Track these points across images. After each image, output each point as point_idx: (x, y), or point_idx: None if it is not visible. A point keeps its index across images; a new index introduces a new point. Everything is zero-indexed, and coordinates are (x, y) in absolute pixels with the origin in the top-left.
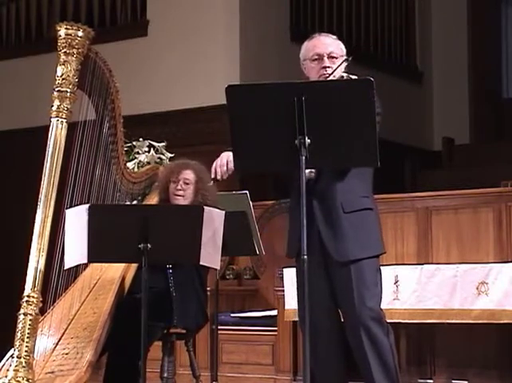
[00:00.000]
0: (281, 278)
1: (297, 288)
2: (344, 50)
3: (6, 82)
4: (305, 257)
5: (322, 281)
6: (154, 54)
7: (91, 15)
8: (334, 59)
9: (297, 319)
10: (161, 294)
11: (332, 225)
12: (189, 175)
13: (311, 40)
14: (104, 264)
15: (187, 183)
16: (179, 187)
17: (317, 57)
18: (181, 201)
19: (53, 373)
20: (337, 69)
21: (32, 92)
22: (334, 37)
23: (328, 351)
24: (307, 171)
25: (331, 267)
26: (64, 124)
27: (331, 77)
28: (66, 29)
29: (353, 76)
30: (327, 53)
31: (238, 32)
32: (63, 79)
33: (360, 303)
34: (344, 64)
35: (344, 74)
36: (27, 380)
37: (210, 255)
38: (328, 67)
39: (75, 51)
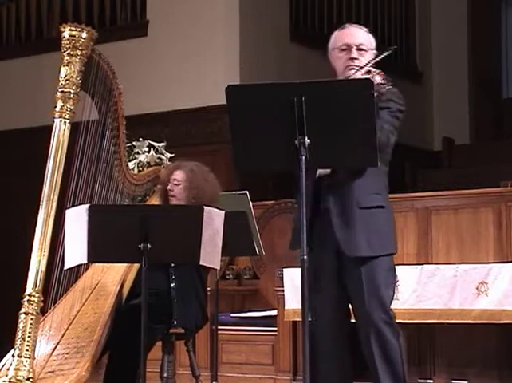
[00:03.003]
0: (281, 278)
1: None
2: (374, 44)
3: (6, 82)
4: (305, 257)
5: (334, 276)
6: (154, 54)
7: (91, 15)
8: (363, 51)
9: (296, 319)
10: (161, 295)
11: (345, 220)
12: (178, 175)
13: (341, 29)
14: (105, 265)
15: (177, 184)
16: (169, 187)
17: (345, 47)
18: (174, 201)
19: (53, 372)
20: (367, 64)
21: (32, 92)
22: (366, 29)
23: (334, 348)
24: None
25: (344, 263)
26: (67, 124)
27: (358, 71)
28: (70, 30)
29: (377, 74)
30: (356, 45)
31: (238, 32)
32: (66, 80)
33: (370, 305)
34: (373, 57)
35: (372, 69)
36: (27, 379)
37: (210, 255)
38: (356, 59)
39: (79, 52)
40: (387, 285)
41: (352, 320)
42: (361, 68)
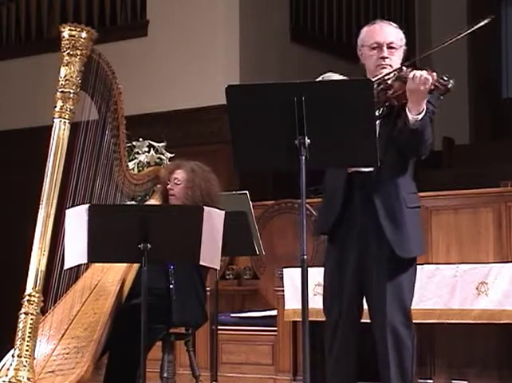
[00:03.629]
0: (281, 278)
1: (325, 275)
2: (404, 40)
3: (6, 82)
4: (305, 257)
5: (353, 275)
6: (154, 54)
7: (91, 15)
8: (393, 50)
9: (296, 319)
10: (161, 295)
11: (396, 221)
12: (179, 174)
13: (371, 26)
14: (105, 265)
15: (178, 183)
16: (169, 186)
17: (375, 45)
18: (173, 200)
19: (53, 372)
20: (398, 61)
21: (32, 92)
22: (395, 25)
23: (344, 348)
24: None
25: (368, 262)
26: (67, 124)
27: (389, 69)
28: (70, 30)
29: (407, 69)
30: (387, 43)
31: (238, 32)
32: (66, 80)
33: (391, 306)
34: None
35: (404, 68)
36: (28, 379)
37: (210, 255)
38: (387, 57)
39: (78, 52)
40: (410, 287)
41: (363, 320)
42: (394, 71)
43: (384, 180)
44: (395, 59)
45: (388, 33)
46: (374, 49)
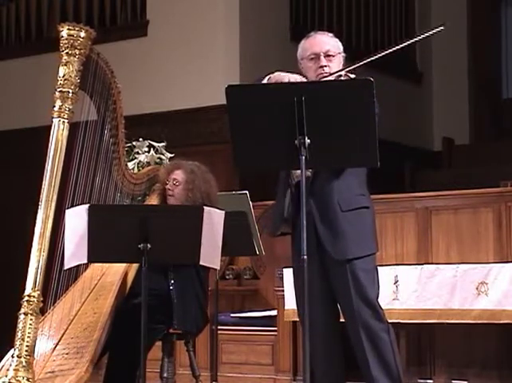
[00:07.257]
0: (281, 278)
1: (295, 287)
2: (341, 47)
3: (6, 82)
4: (305, 257)
5: (319, 279)
6: (154, 54)
7: (91, 15)
8: (331, 57)
9: (296, 319)
10: (161, 296)
11: (329, 223)
12: (178, 175)
13: (307, 39)
14: (104, 264)
15: (176, 184)
16: (168, 186)
17: (313, 56)
18: (172, 201)
19: (53, 372)
20: (337, 68)
21: (32, 92)
22: (331, 34)
23: (325, 348)
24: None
25: (328, 265)
26: (66, 124)
27: (329, 77)
28: (68, 29)
29: (352, 75)
30: (323, 52)
31: (238, 32)
32: (65, 79)
33: (358, 301)
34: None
35: (343, 73)
36: (27, 379)
37: (210, 255)
38: (326, 66)
39: (77, 52)
40: (372, 283)
41: (341, 320)
42: (331, 74)
43: (318, 184)
44: (334, 66)
45: (324, 42)
46: (312, 59)
